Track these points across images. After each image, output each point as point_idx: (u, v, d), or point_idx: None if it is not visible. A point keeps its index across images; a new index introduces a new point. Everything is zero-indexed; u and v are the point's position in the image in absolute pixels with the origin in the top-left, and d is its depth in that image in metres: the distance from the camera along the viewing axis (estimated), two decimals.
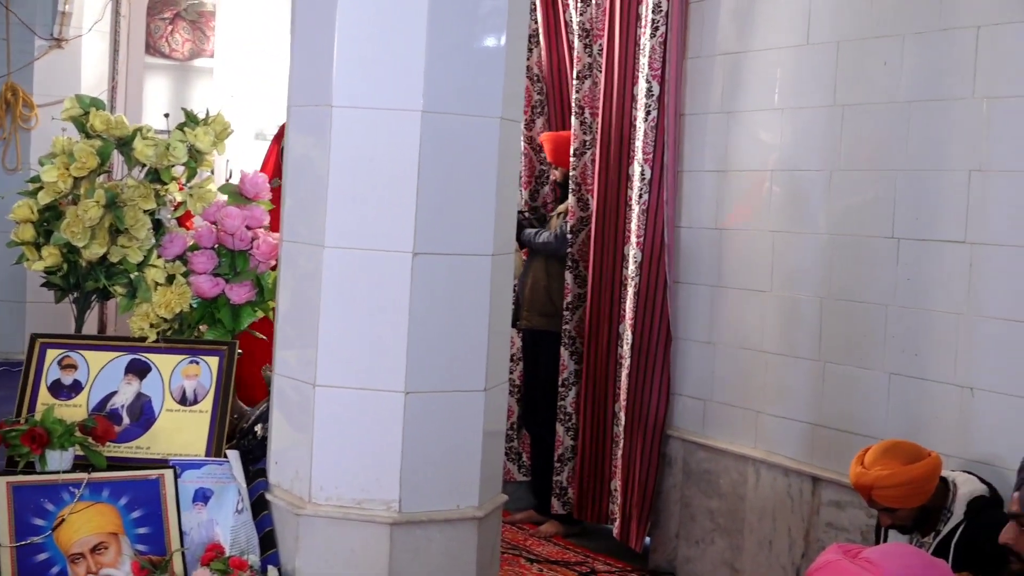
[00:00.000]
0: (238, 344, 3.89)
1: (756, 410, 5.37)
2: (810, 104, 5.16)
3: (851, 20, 4.99)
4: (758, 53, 5.42)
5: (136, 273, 4.17)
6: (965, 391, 4.48)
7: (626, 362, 5.81)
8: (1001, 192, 4.38)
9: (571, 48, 6.28)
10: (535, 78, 6.46)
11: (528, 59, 6.16)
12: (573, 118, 6.06)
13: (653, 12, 5.64)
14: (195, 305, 3.91)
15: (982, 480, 4.05)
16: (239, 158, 5.12)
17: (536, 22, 6.37)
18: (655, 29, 5.63)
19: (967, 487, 4.00)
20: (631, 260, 5.78)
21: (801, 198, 5.17)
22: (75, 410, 3.70)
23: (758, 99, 5.41)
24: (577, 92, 6.03)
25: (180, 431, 3.73)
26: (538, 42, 6.44)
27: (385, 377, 3.25)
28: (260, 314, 3.98)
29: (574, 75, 6.05)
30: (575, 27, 6.16)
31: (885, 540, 4.11)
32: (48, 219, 4.20)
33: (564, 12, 6.35)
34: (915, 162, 4.69)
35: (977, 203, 4.46)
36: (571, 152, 6.09)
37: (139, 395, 3.77)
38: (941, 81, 4.61)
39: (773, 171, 5.30)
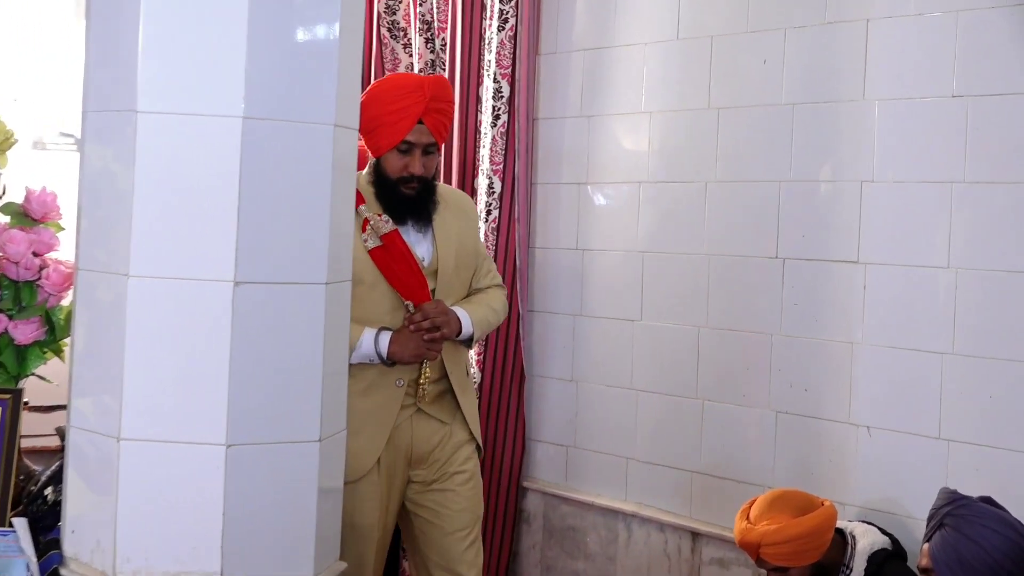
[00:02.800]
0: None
1: (626, 456, 5.44)
2: (681, 107, 5.26)
3: (726, 12, 5.10)
4: (622, 49, 5.50)
5: None
6: (861, 430, 4.60)
7: None
8: (896, 205, 4.52)
9: (381, 43, 6.26)
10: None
11: None
12: None
13: (501, 2, 5.68)
14: None
15: (883, 531, 4.16)
16: (18, 172, 5.03)
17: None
18: (504, 21, 5.68)
19: (866, 539, 4.11)
20: None
21: (673, 214, 5.26)
22: None
23: (622, 101, 5.49)
24: None
25: None
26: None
27: (202, 428, 3.20)
28: (50, 356, 3.92)
29: (417, 71, 6.07)
30: (414, 21, 6.17)
31: None
32: None
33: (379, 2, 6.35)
34: (800, 172, 4.82)
35: (869, 218, 4.59)
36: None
37: None
38: (827, 81, 4.75)
39: (641, 183, 5.38)
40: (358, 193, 3.84)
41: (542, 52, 5.78)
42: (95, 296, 3.35)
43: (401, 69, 6.18)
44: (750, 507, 4.14)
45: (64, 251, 3.94)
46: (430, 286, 4.30)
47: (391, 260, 4.21)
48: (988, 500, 3.44)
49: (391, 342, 4.18)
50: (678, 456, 5.21)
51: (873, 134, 4.59)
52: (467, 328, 4.34)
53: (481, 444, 4.59)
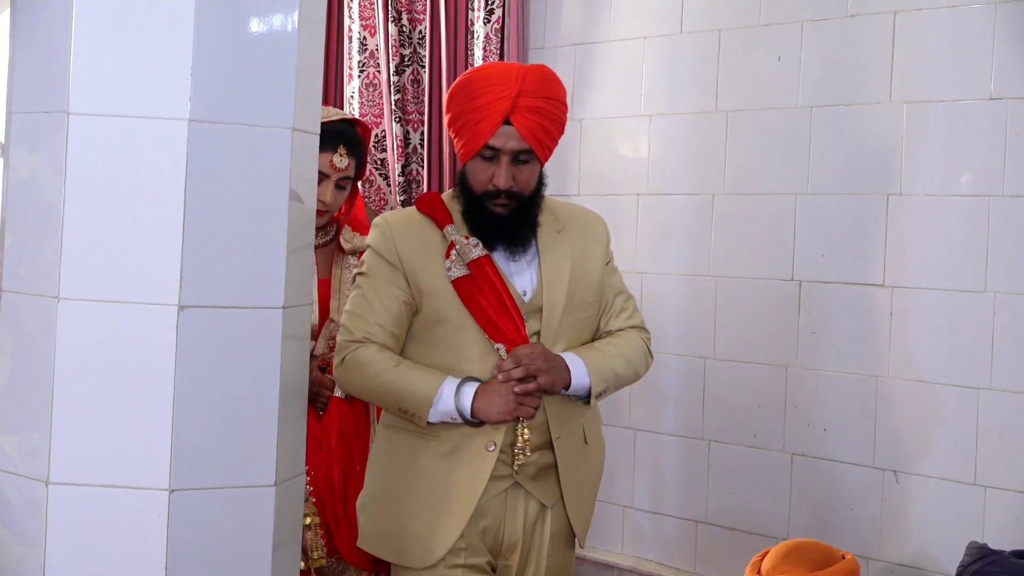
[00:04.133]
0: None
1: (623, 504, 5.44)
2: (685, 109, 5.29)
3: (736, 3, 5.12)
4: (617, 44, 5.52)
5: None
6: (887, 475, 4.61)
7: None
8: (927, 221, 4.53)
9: (343, 35, 6.27)
10: None
11: None
12: (394, 123, 6.07)
13: None
14: None
15: None
16: None
17: None
18: (490, 13, 5.70)
19: None
20: None
21: (675, 229, 5.27)
22: None
23: (618, 103, 5.51)
24: (395, 94, 6.05)
25: None
26: None
27: (142, 471, 3.20)
28: None
29: (391, 71, 6.07)
30: (383, 10, 6.18)
31: None
32: None
33: None
34: (819, 184, 4.84)
35: (897, 238, 4.60)
36: (400, 169, 6.10)
37: None
38: (850, 81, 4.77)
39: (640, 195, 5.39)
40: (443, 210, 3.78)
41: (530, 47, 5.80)
42: (21, 321, 3.35)
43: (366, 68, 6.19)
44: (761, 560, 4.14)
45: None
46: (531, 327, 3.76)
47: (478, 293, 3.70)
48: (1021, 554, 3.45)
49: (476, 396, 3.64)
50: (681, 504, 5.22)
51: (901, 141, 4.61)
52: (580, 379, 3.73)
53: (582, 540, 4.01)
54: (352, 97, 6.23)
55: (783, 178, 4.93)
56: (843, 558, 4.11)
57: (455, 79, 5.87)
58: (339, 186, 4.52)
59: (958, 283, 4.45)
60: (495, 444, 3.72)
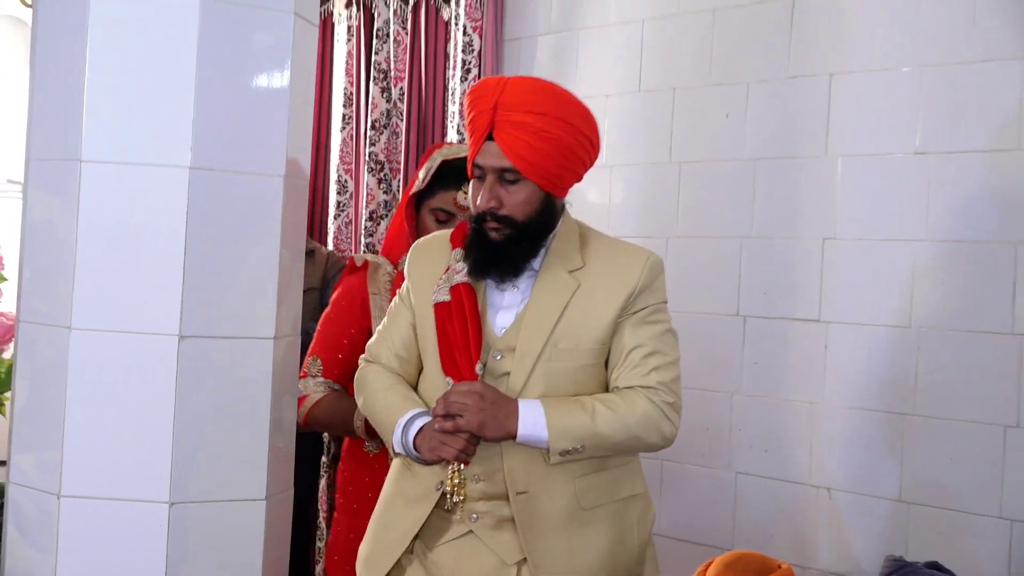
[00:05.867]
0: None
1: None
2: (643, 160, 5.28)
3: (689, 65, 5.13)
4: (583, 101, 5.51)
5: None
6: (822, 492, 4.61)
7: None
8: (858, 263, 4.55)
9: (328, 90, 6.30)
10: None
11: None
12: (367, 175, 6.07)
13: (463, 52, 5.72)
14: None
15: None
16: None
17: None
18: (466, 71, 5.71)
19: None
20: None
21: None
22: None
23: None
24: (373, 144, 6.06)
25: None
26: None
27: (145, 485, 3.20)
28: None
29: (367, 124, 6.08)
30: (360, 68, 6.19)
31: None
32: None
33: (329, 51, 6.37)
34: (762, 228, 4.84)
35: (832, 277, 4.61)
36: (368, 216, 6.11)
37: None
38: (790, 136, 4.78)
39: None
40: (463, 233, 3.24)
41: None
42: (36, 349, 3.34)
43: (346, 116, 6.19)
44: (706, 569, 4.12)
45: (6, 302, 3.92)
46: (503, 366, 3.14)
47: (448, 321, 3.15)
48: (934, 565, 3.45)
49: (422, 430, 3.08)
50: None
51: (835, 191, 4.62)
52: (532, 430, 3.03)
53: None
54: (337, 147, 6.25)
55: (730, 223, 4.94)
56: (780, 567, 4.11)
57: (431, 135, 5.91)
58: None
59: (886, 319, 4.46)
60: (444, 484, 3.12)
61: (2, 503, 3.57)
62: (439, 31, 5.91)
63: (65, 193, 3.23)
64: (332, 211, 6.25)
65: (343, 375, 3.94)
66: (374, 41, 6.13)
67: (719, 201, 5.00)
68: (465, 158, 3.68)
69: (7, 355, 3.91)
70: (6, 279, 3.96)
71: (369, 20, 6.19)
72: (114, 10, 3.21)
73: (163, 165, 3.19)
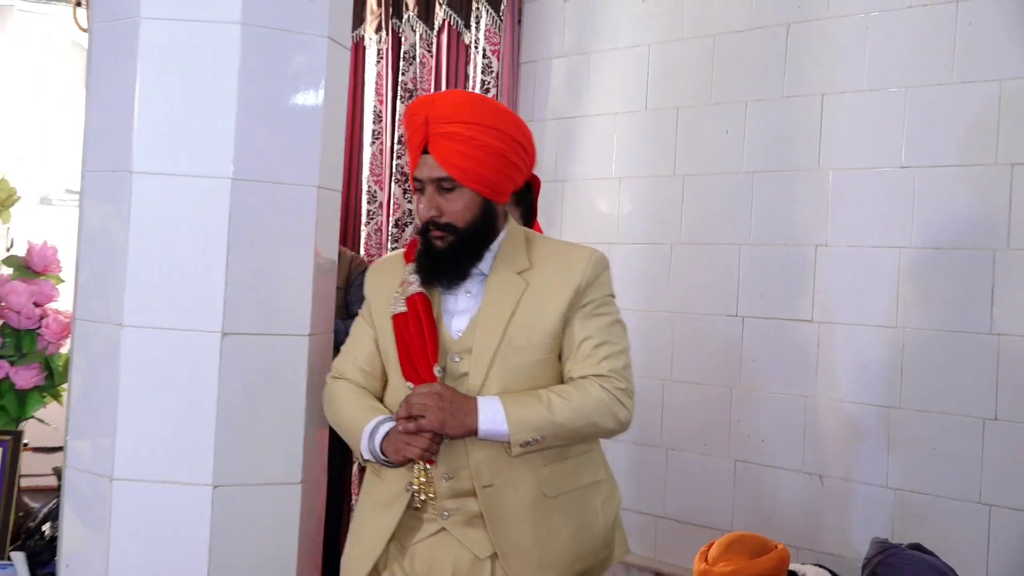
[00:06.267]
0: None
1: None
2: (649, 173, 5.29)
3: (692, 85, 5.13)
4: (594, 118, 5.54)
5: None
6: (814, 479, 4.61)
7: None
8: (846, 270, 4.55)
9: (360, 108, 6.30)
10: None
11: None
12: (394, 186, 6.09)
13: (483, 73, 5.73)
14: None
15: (833, 573, 4.17)
16: (24, 227, 5.05)
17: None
18: (485, 91, 5.71)
19: None
20: None
21: (641, 273, 5.27)
22: None
23: (594, 167, 5.52)
24: (400, 158, 6.07)
25: None
26: None
27: (190, 470, 3.23)
28: (49, 400, 3.93)
29: (396, 139, 6.09)
30: (388, 87, 6.20)
31: None
32: None
33: (361, 72, 6.38)
34: (760, 236, 4.84)
35: (823, 281, 4.62)
36: (394, 223, 6.12)
37: None
38: (785, 151, 4.79)
39: (612, 244, 5.39)
40: (413, 249, 3.15)
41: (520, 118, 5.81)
42: (91, 344, 3.37)
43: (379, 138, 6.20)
44: (708, 549, 4.13)
45: (63, 302, 3.95)
46: (461, 367, 3.04)
47: (406, 330, 3.05)
48: (917, 547, 3.44)
49: (388, 435, 2.99)
50: (644, 501, 5.21)
51: (827, 201, 4.62)
52: (492, 425, 2.94)
53: None
54: (367, 161, 6.26)
55: (729, 231, 4.94)
56: (776, 547, 4.11)
57: None
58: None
59: (874, 320, 4.46)
60: (414, 485, 3.02)
61: (60, 485, 3.60)
62: (460, 54, 5.92)
63: (117, 202, 3.27)
64: (363, 219, 6.27)
65: None
66: (401, 63, 6.14)
67: (719, 211, 5.00)
68: None
69: (64, 350, 3.93)
70: (63, 280, 3.98)
71: (397, 44, 6.21)
72: (162, 35, 3.24)
73: (207, 176, 3.22)
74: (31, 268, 3.99)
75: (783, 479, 4.73)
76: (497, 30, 5.73)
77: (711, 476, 4.95)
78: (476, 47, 5.80)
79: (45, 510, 3.88)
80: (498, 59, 5.73)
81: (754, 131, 4.89)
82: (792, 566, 4.16)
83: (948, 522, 4.21)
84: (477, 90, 5.73)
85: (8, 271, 4.03)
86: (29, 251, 4.01)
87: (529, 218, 3.72)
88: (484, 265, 3.08)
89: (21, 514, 3.83)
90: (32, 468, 3.99)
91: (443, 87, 5.93)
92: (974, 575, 4.01)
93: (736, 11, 4.97)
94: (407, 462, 2.96)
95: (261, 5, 3.29)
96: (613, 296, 3.18)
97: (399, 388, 3.05)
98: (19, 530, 3.79)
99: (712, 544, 4.15)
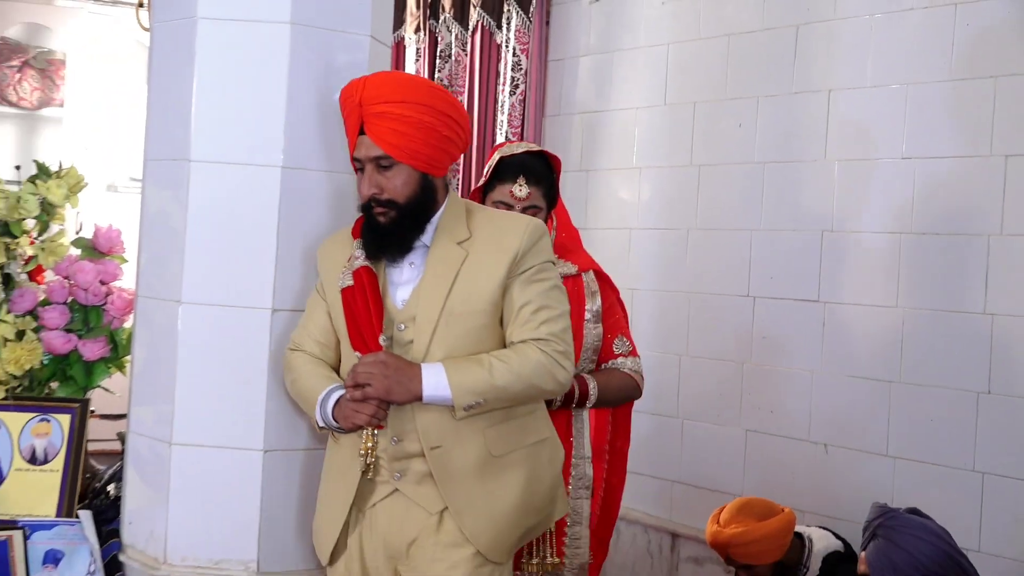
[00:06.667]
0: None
1: None
2: (668, 163, 5.28)
3: (707, 81, 5.12)
4: (616, 112, 5.53)
5: None
6: (819, 447, 4.61)
7: None
8: (850, 253, 4.54)
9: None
10: None
11: None
12: None
13: (513, 70, 5.73)
14: (46, 362, 3.85)
15: (837, 536, 4.17)
16: (92, 211, 5.07)
17: None
18: (515, 87, 5.72)
19: (822, 543, 4.11)
20: None
21: (660, 256, 5.28)
22: None
23: (616, 158, 5.52)
24: None
25: (29, 491, 3.66)
26: None
27: (243, 435, 3.23)
28: (114, 371, 3.94)
29: None
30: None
31: None
32: None
33: (401, 69, 6.37)
34: (770, 222, 4.84)
35: (829, 264, 4.61)
36: None
37: None
38: (794, 143, 4.77)
39: (632, 229, 5.40)
40: (359, 226, 3.05)
41: (547, 114, 5.82)
42: (152, 319, 3.39)
43: None
44: (720, 512, 4.15)
45: (127, 280, 3.97)
46: (407, 336, 2.94)
47: (353, 303, 2.97)
48: (914, 511, 3.45)
49: (336, 403, 2.93)
50: (661, 467, 5.22)
51: (833, 190, 4.61)
52: (436, 390, 2.85)
53: (489, 554, 2.96)
54: None
55: (742, 217, 4.94)
56: (783, 511, 4.12)
57: (484, 139, 5.91)
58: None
59: (876, 300, 4.45)
60: (361, 450, 2.94)
61: (124, 449, 3.62)
62: (492, 52, 5.92)
63: (176, 188, 3.27)
64: None
65: None
66: (437, 61, 6.15)
67: (732, 198, 4.99)
68: (519, 154, 3.61)
69: (127, 324, 3.95)
70: (127, 260, 3.99)
71: (434, 43, 6.21)
72: (217, 34, 3.24)
73: (259, 165, 3.22)
74: (98, 249, 4.00)
75: (790, 448, 4.73)
76: (526, 30, 5.73)
77: (723, 444, 4.95)
78: (507, 46, 5.79)
79: (110, 472, 3.89)
80: (527, 57, 5.73)
81: (765, 124, 4.88)
82: (798, 528, 4.17)
83: (943, 488, 4.20)
84: (507, 87, 5.74)
85: (77, 252, 4.04)
86: (96, 234, 4.02)
87: (552, 197, 3.63)
88: (426, 237, 2.98)
89: (88, 475, 3.85)
90: (98, 433, 4.00)
91: (476, 84, 5.94)
92: (967, 537, 4.00)
93: (748, 13, 4.96)
94: (357, 428, 2.90)
95: (308, 6, 3.29)
96: (552, 263, 3.04)
97: (350, 358, 2.95)
98: (86, 490, 3.80)
99: (723, 507, 4.17)
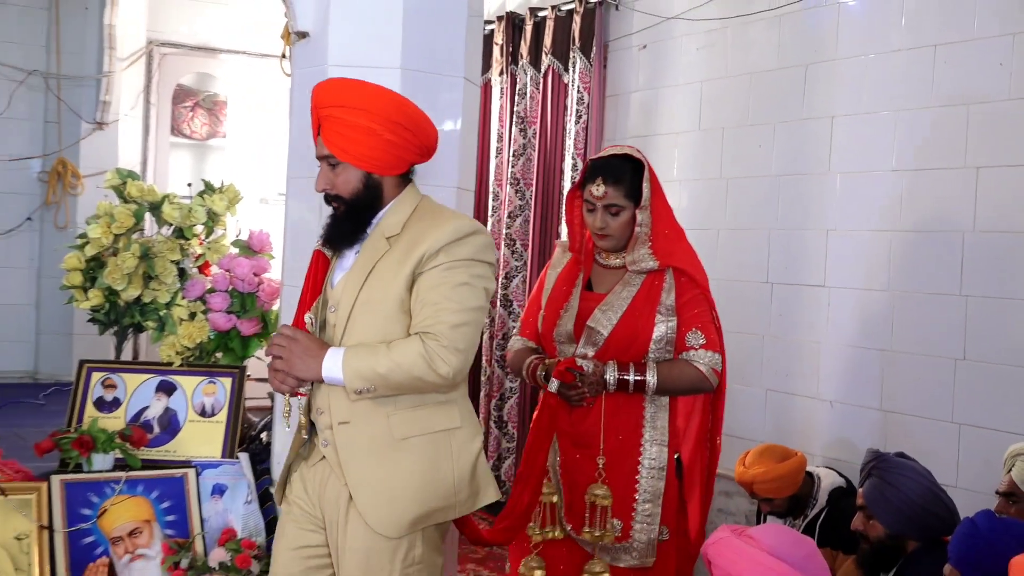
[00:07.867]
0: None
1: None
2: (702, 177, 5.24)
3: (734, 111, 5.07)
4: (660, 136, 5.50)
5: (164, 311, 4.19)
6: (825, 404, 4.55)
7: None
8: (850, 247, 4.48)
9: (487, 131, 6.30)
10: None
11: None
12: (509, 188, 6.09)
13: (577, 104, 5.71)
14: (212, 337, 3.91)
15: (840, 474, 4.12)
16: (247, 219, 5.13)
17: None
18: (579, 117, 5.70)
19: (828, 480, 4.06)
20: None
21: (696, 251, 5.22)
22: (115, 421, 3.70)
23: (661, 173, 5.34)
24: (513, 167, 6.07)
25: (200, 438, 3.72)
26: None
27: None
28: (264, 344, 3.98)
29: (511, 153, 6.09)
30: (508, 116, 6.18)
31: (764, 522, 4.15)
32: (93, 268, 4.21)
33: (488, 105, 6.35)
34: (784, 223, 4.78)
35: (832, 256, 4.55)
36: (508, 215, 6.12)
37: (167, 409, 3.77)
38: (803, 159, 4.71)
39: None
40: None
41: (605, 138, 5.78)
42: (293, 303, 3.39)
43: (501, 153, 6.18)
44: (745, 456, 4.11)
45: (274, 272, 4.01)
46: (332, 320, 2.68)
47: (304, 282, 2.80)
48: (901, 454, 3.38)
49: None
50: None
51: (835, 197, 4.55)
52: (333, 372, 2.56)
53: (384, 530, 2.60)
54: (492, 170, 6.27)
55: (762, 220, 4.88)
56: (796, 455, 4.07)
57: (552, 161, 5.88)
58: (610, 213, 3.23)
59: (872, 285, 4.38)
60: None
61: (272, 405, 3.65)
62: (560, 90, 5.90)
63: (311, 200, 3.26)
64: (488, 211, 6.29)
65: (533, 334, 3.44)
66: (516, 97, 6.14)
67: (754, 204, 4.94)
68: (602, 156, 3.35)
69: (275, 307, 3.99)
70: (274, 257, 4.04)
71: (513, 83, 6.20)
72: (344, 74, 3.25)
73: None
74: (251, 248, 4.05)
75: (802, 404, 4.67)
76: (588, 72, 5.70)
77: (747, 400, 4.90)
78: (572, 85, 5.77)
79: (262, 423, 3.93)
80: (588, 94, 5.70)
81: (780, 145, 4.82)
82: (808, 468, 4.12)
83: (927, 436, 4.13)
84: (572, 117, 5.71)
85: (235, 250, 4.09)
86: (250, 236, 4.07)
87: (636, 196, 3.28)
88: (372, 229, 2.71)
89: (245, 426, 3.90)
90: (252, 393, 4.05)
91: (548, 116, 5.91)
92: (946, 476, 3.93)
93: (766, 55, 4.90)
94: (280, 392, 2.67)
95: (416, 54, 3.30)
96: (474, 261, 2.62)
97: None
98: (244, 437, 3.86)
99: (748, 452, 4.13)
